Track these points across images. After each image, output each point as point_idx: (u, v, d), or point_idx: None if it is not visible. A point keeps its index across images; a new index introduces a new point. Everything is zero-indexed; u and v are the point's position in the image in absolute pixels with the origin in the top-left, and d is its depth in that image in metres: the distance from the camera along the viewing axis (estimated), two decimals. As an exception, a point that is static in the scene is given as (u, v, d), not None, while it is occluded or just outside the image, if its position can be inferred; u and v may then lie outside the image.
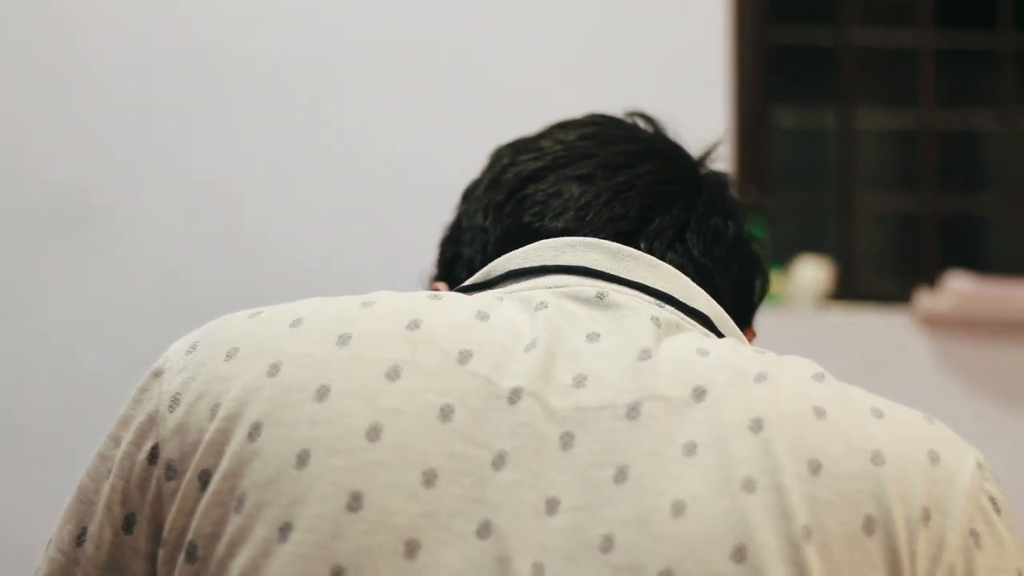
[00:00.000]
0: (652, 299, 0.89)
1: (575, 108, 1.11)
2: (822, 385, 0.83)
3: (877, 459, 0.80)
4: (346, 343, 0.82)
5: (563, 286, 0.89)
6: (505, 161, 1.01)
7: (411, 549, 0.76)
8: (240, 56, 2.63)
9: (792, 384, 0.82)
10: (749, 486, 0.77)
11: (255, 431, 0.79)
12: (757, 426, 0.79)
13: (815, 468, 0.78)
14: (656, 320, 0.86)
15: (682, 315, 0.89)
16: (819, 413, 0.81)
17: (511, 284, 0.91)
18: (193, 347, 0.85)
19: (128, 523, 0.83)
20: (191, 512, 0.80)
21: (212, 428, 0.81)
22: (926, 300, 2.71)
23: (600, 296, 0.88)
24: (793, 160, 3.20)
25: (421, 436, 0.78)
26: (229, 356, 0.83)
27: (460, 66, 2.67)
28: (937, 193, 2.98)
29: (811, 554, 0.76)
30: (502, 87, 2.64)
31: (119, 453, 0.84)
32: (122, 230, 2.59)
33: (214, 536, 0.79)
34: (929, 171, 2.98)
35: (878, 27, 3.04)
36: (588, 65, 2.67)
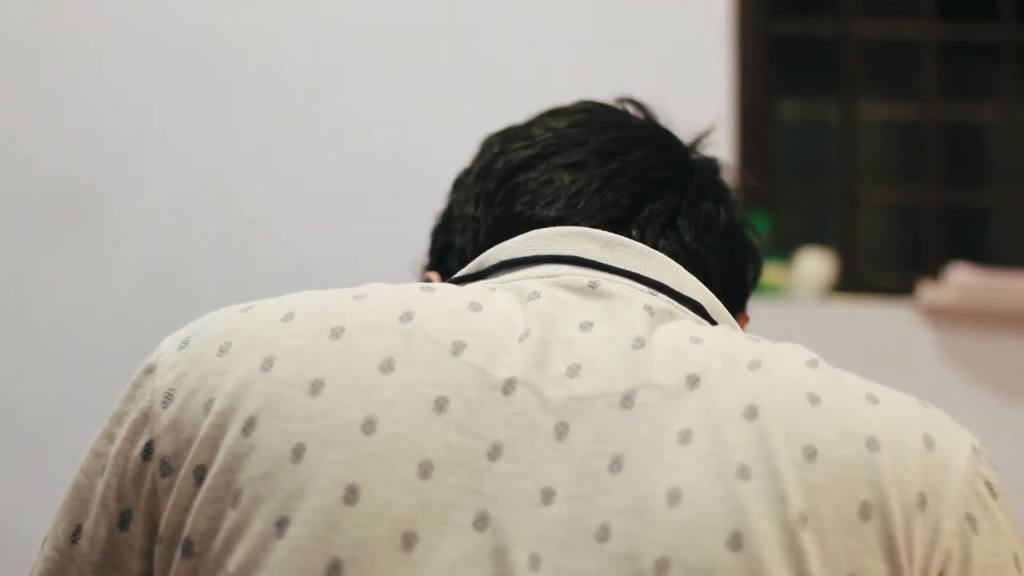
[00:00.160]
0: (644, 287, 0.89)
1: (576, 99, 1.10)
2: (816, 371, 0.83)
3: (872, 445, 0.80)
4: (339, 336, 0.82)
5: (555, 275, 0.89)
6: (496, 149, 1.00)
7: (408, 541, 0.76)
8: (241, 46, 2.63)
9: (786, 371, 0.82)
10: (744, 473, 0.77)
11: (250, 426, 0.79)
12: (751, 413, 0.79)
13: (810, 454, 0.78)
14: (649, 308, 0.86)
15: (675, 303, 0.89)
16: (813, 399, 0.81)
17: (503, 274, 0.91)
18: (185, 342, 0.85)
19: (123, 520, 0.83)
20: (187, 508, 0.80)
21: (206, 424, 0.81)
22: (929, 292, 2.70)
23: (592, 285, 0.88)
24: (795, 152, 3.19)
25: (416, 428, 0.78)
26: (222, 351, 0.83)
27: (462, 58, 2.66)
28: (940, 185, 2.97)
29: (807, 540, 0.76)
30: (503, 79, 2.63)
31: (113, 450, 0.84)
32: (123, 221, 2.59)
33: (210, 531, 0.79)
34: (932, 163, 2.97)
35: (880, 19, 3.04)
36: (590, 57, 2.66)
